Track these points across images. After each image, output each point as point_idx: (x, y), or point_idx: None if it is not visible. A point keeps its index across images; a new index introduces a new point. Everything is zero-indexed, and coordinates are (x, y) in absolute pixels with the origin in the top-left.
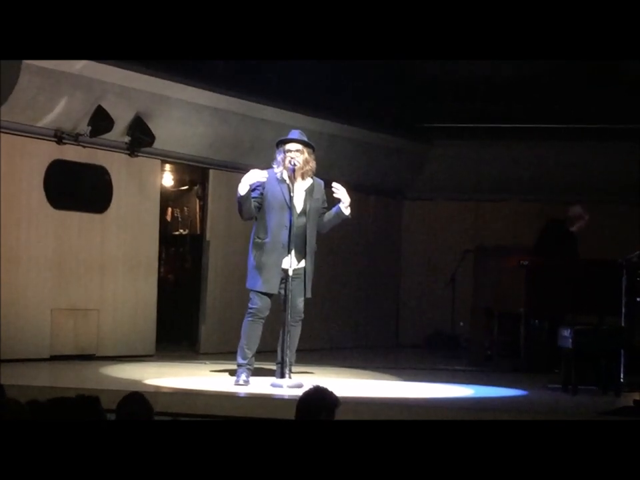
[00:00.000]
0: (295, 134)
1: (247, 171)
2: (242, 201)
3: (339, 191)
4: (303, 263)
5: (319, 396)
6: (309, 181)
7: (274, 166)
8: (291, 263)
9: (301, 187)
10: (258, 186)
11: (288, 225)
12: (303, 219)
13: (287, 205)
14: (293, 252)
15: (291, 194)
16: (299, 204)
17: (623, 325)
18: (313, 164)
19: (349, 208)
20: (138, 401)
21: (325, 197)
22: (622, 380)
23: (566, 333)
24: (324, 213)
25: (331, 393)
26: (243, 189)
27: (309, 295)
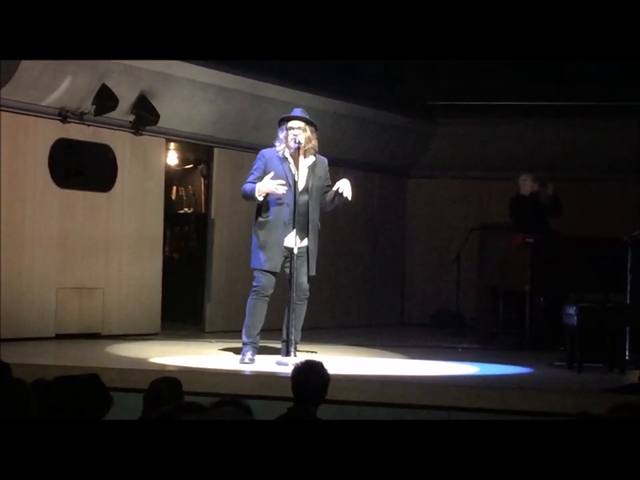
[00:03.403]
0: (297, 112)
1: (252, 149)
2: (249, 199)
3: (345, 189)
4: (306, 241)
5: (309, 372)
6: (311, 159)
7: (276, 144)
8: (295, 241)
9: (303, 165)
10: (260, 166)
11: (291, 202)
12: (305, 197)
13: (290, 182)
14: (295, 230)
15: (293, 172)
16: (301, 182)
17: (628, 302)
18: (315, 142)
19: (350, 195)
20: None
21: (328, 175)
22: (627, 357)
23: (571, 310)
24: (327, 192)
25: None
26: (259, 195)
27: (312, 273)
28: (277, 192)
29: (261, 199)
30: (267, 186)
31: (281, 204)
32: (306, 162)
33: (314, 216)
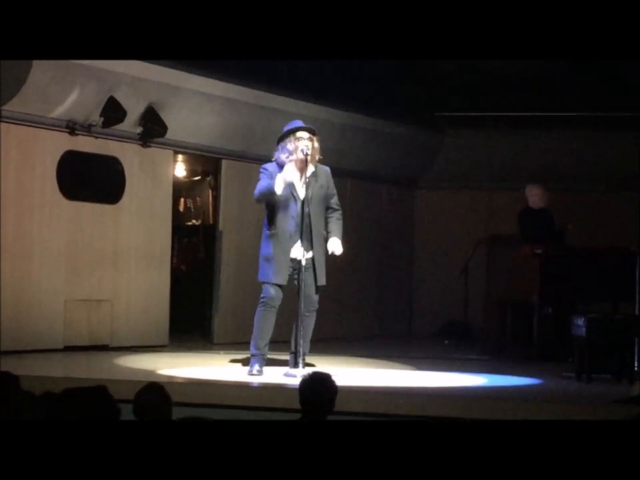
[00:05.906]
0: (299, 122)
1: (259, 161)
2: (271, 196)
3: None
4: (312, 252)
5: (317, 384)
6: (310, 168)
7: (280, 156)
8: (303, 252)
9: (303, 176)
10: (268, 175)
11: (294, 214)
12: (307, 208)
13: (293, 194)
14: (300, 241)
15: (297, 184)
16: (303, 192)
17: (636, 313)
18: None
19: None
20: (156, 391)
21: (331, 184)
22: (636, 368)
23: (580, 321)
24: (332, 200)
25: (329, 381)
26: (279, 188)
27: (322, 283)
28: (287, 180)
29: (279, 191)
30: (282, 177)
31: (286, 216)
32: (307, 172)
33: (318, 226)
